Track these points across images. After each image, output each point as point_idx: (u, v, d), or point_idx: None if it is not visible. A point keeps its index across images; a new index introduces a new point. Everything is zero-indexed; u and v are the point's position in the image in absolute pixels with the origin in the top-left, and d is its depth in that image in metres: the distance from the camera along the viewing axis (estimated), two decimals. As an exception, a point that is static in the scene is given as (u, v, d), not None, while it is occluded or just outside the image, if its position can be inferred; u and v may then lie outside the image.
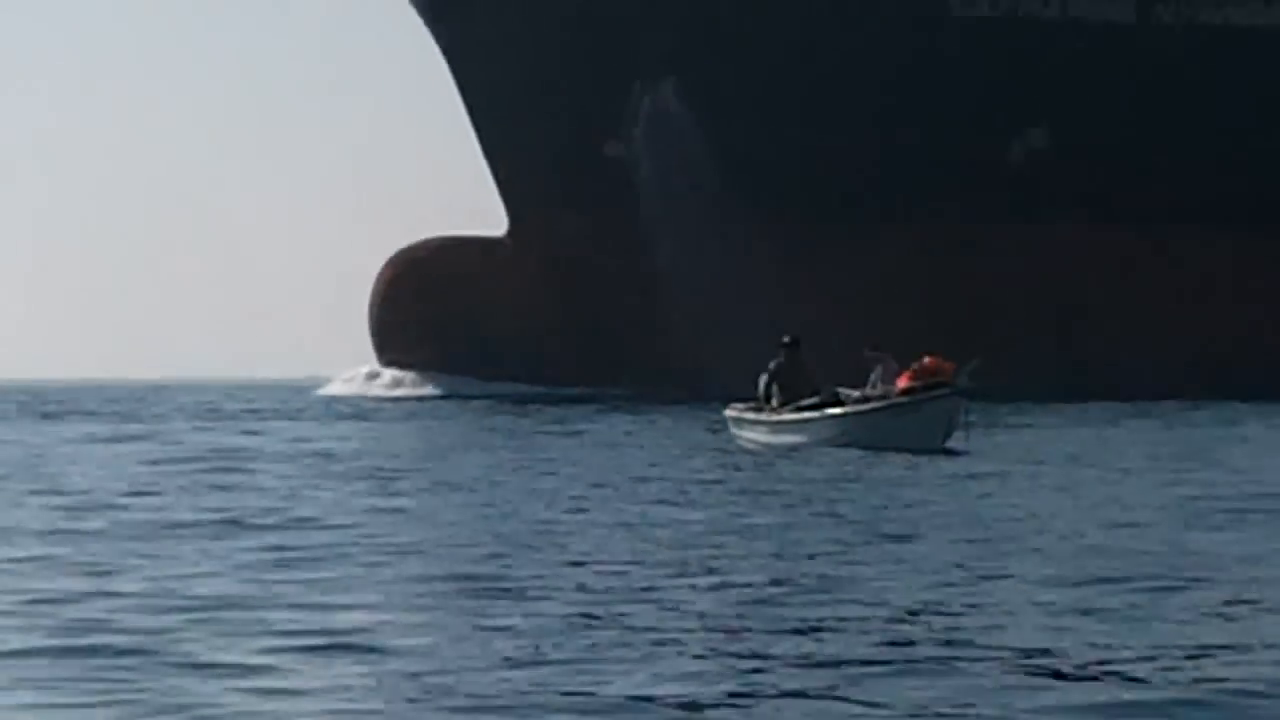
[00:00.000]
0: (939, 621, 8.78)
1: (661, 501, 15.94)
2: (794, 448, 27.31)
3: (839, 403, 27.35)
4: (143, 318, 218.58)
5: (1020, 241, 55.83)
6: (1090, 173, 56.66)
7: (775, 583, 10.26)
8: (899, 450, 25.09)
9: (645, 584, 10.02)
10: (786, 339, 27.44)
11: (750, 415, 28.51)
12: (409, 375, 57.79)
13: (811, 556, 11.58)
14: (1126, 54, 56.92)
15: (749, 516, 14.22)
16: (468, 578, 10.19)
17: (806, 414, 27.53)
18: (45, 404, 57.39)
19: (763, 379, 27.61)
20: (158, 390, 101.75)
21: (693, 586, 9.91)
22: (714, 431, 29.91)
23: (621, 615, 8.83)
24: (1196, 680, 7.49)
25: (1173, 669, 7.69)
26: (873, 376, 27.43)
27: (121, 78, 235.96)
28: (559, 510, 14.96)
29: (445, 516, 14.59)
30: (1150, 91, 56.39)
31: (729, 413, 29.25)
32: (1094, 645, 8.14)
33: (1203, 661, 7.98)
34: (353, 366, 59.48)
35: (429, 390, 56.00)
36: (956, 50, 56.25)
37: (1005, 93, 56.68)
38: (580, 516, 14.33)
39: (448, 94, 59.55)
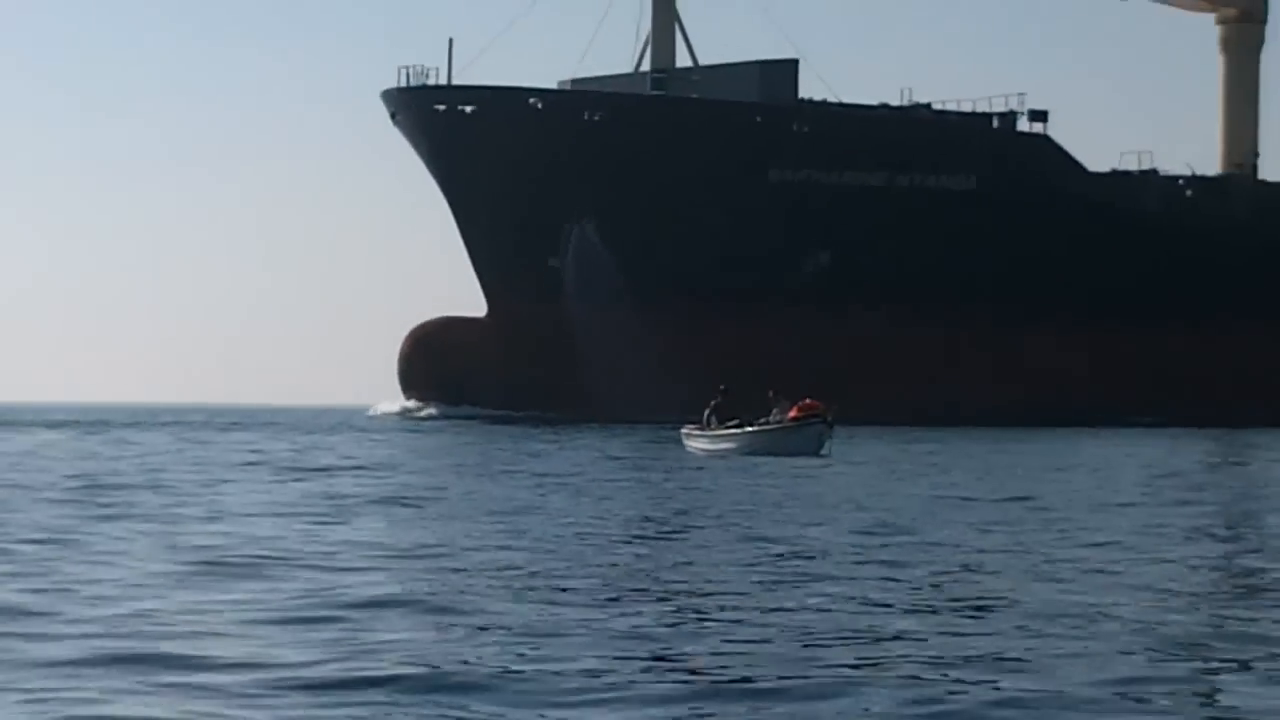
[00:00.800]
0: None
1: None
2: (723, 454, 41.50)
3: (751, 424, 41.97)
4: (238, 353, 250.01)
5: (816, 323, 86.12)
6: (859, 282, 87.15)
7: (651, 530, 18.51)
8: (789, 455, 39.11)
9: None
10: (723, 387, 43.65)
11: (697, 433, 44.13)
12: (421, 405, 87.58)
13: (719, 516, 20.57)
14: (880, 205, 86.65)
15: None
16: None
17: (733, 432, 42.43)
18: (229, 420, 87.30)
19: (706, 410, 43.33)
20: (255, 412, 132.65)
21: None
22: (662, 443, 47.56)
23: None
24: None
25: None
26: (774, 410, 41.88)
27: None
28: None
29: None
30: (893, 229, 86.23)
31: (683, 431, 45.00)
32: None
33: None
34: (387, 398, 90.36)
35: (432, 412, 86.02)
36: (773, 201, 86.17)
37: (804, 229, 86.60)
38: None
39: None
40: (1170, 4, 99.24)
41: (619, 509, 22.27)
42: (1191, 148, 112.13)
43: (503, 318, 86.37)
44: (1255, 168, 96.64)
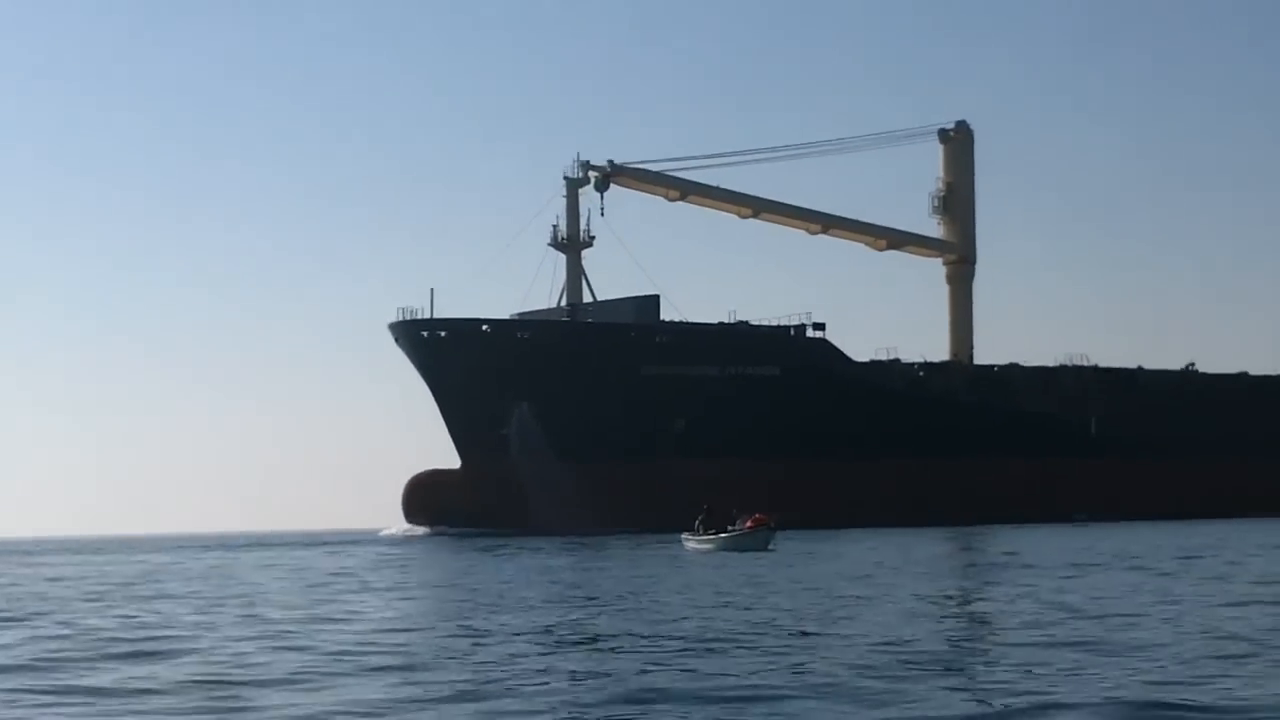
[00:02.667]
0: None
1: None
2: (709, 550, 59.62)
3: (725, 531, 61.59)
4: (232, 484, 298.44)
5: (680, 468, 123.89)
6: (705, 440, 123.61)
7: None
8: (748, 551, 56.95)
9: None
10: (706, 505, 64.66)
11: (690, 537, 63.18)
12: (420, 528, 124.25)
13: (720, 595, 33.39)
14: (716, 388, 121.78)
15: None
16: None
17: (715, 536, 61.55)
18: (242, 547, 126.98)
19: (696, 521, 63.92)
20: (301, 535, 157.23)
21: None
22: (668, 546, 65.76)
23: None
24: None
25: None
26: (738, 521, 61.67)
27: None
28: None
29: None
30: (726, 404, 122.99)
31: (683, 536, 63.99)
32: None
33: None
34: (394, 521, 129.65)
35: (426, 532, 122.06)
36: (646, 388, 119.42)
37: (667, 405, 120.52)
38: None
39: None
40: (912, 254, 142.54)
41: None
42: (928, 344, 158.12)
43: (472, 469, 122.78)
44: (971, 356, 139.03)
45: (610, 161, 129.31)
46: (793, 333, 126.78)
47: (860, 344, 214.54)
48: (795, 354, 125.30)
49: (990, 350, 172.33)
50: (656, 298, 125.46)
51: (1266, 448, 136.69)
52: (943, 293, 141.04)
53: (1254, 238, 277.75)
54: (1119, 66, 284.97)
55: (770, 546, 60.68)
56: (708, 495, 70.93)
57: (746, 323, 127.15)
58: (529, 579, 41.11)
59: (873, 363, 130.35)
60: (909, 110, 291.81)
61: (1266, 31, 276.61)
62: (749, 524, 62.34)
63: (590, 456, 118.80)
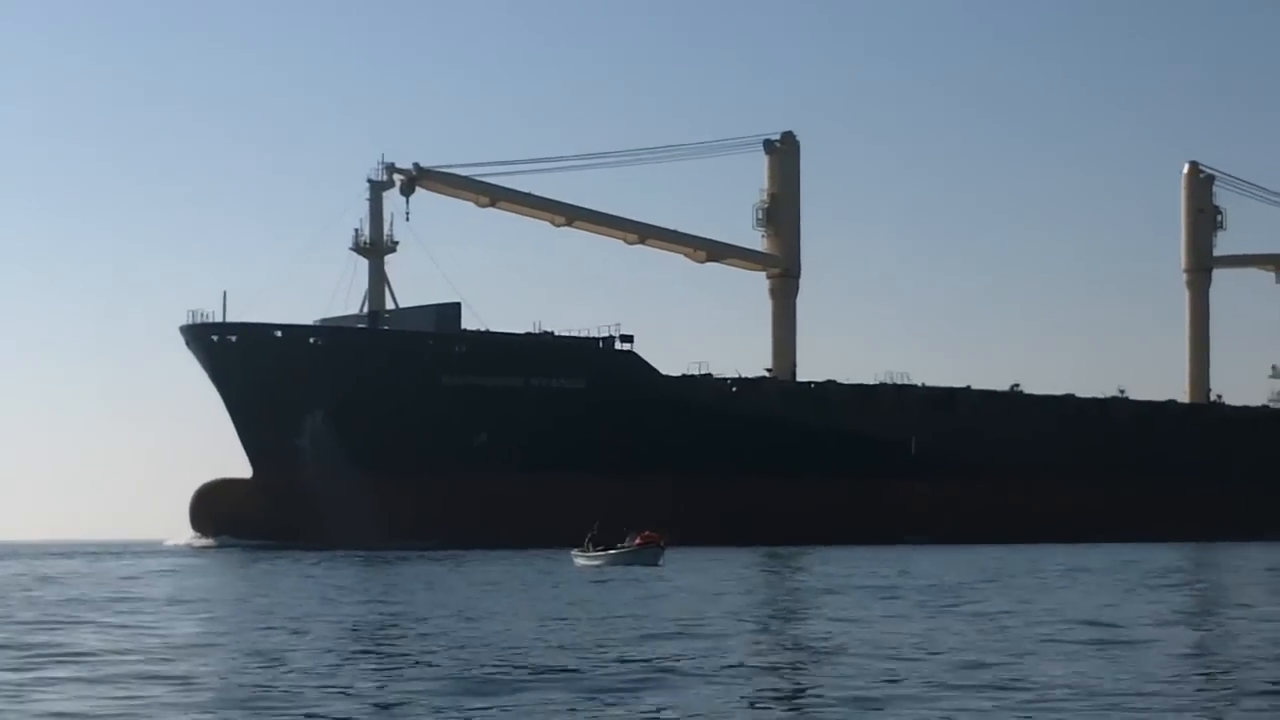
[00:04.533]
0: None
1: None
2: (598, 567, 62.79)
3: (615, 548, 65.64)
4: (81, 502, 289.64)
5: (482, 480, 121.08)
6: (509, 452, 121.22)
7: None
8: (639, 566, 61.12)
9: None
10: (598, 522, 68.28)
11: (578, 553, 67.23)
12: (203, 538, 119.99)
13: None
14: (519, 400, 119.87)
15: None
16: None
17: (604, 553, 65.89)
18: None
19: (587, 538, 67.70)
20: (87, 544, 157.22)
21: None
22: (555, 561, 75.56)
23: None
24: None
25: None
26: (628, 538, 66.10)
27: None
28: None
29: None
30: (529, 417, 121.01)
31: (573, 552, 67.60)
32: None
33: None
34: (178, 532, 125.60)
35: (212, 543, 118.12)
36: (446, 398, 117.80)
37: (469, 417, 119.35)
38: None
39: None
40: (734, 266, 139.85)
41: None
42: (753, 359, 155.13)
43: (264, 478, 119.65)
44: (794, 372, 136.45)
45: (416, 165, 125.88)
46: (601, 345, 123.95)
47: (678, 358, 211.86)
48: (602, 366, 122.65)
49: (815, 367, 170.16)
50: (458, 305, 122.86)
51: (1089, 469, 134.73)
52: (766, 307, 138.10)
53: (1082, 260, 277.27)
54: (952, 80, 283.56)
55: (659, 563, 62.13)
56: (599, 513, 71.28)
57: (552, 333, 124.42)
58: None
59: (683, 377, 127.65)
60: (735, 120, 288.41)
61: (1093, 56, 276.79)
62: (639, 541, 64.60)
63: (387, 469, 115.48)
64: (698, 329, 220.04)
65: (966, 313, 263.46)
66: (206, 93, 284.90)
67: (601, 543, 67.19)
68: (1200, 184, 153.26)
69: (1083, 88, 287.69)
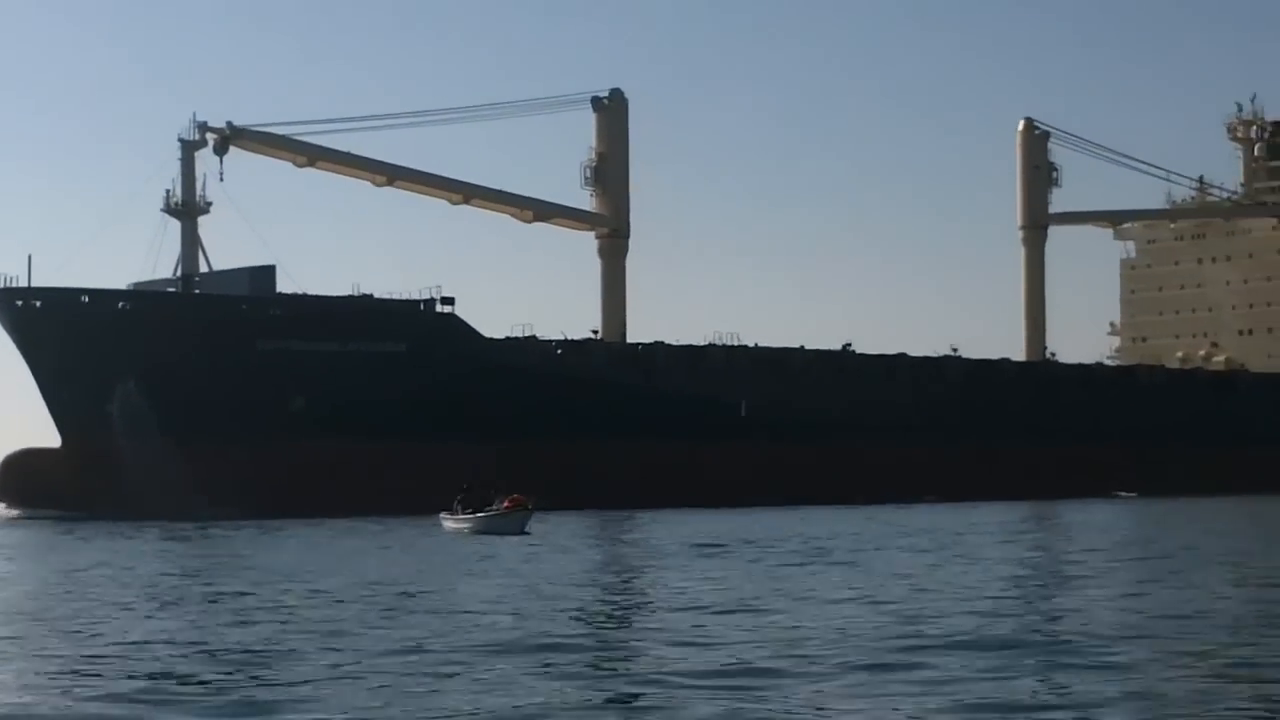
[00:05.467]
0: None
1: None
2: (465, 530, 63.75)
3: (483, 511, 65.16)
4: None
5: (299, 448, 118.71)
6: (327, 418, 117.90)
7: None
8: (505, 534, 60.46)
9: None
10: (465, 485, 67.63)
11: (448, 517, 66.72)
12: (11, 509, 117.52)
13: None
14: (338, 364, 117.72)
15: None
16: None
17: (472, 516, 65.50)
18: None
19: (456, 500, 66.90)
20: None
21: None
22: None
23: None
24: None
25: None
26: (496, 502, 65.75)
27: None
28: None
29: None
30: (348, 381, 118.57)
31: (442, 515, 67.12)
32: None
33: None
34: None
35: (19, 514, 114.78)
36: (262, 363, 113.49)
37: (285, 382, 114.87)
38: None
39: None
40: (562, 226, 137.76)
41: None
42: (583, 321, 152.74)
43: (72, 447, 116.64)
44: (624, 334, 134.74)
45: (229, 123, 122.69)
46: (423, 307, 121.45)
47: (505, 321, 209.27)
48: (423, 329, 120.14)
49: (646, 328, 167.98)
50: (272, 268, 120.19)
51: (922, 429, 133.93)
52: (595, 268, 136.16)
53: (919, 219, 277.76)
54: (783, 36, 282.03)
55: (526, 528, 62.54)
56: (469, 476, 70.04)
57: (371, 296, 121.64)
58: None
59: (507, 339, 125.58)
60: (563, 77, 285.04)
61: (928, 11, 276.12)
62: (506, 504, 64.31)
63: (201, 436, 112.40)
64: (526, 291, 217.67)
65: (799, 272, 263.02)
66: (5, 48, 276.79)
67: (469, 506, 66.49)
68: (1035, 140, 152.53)
69: (918, 43, 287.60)
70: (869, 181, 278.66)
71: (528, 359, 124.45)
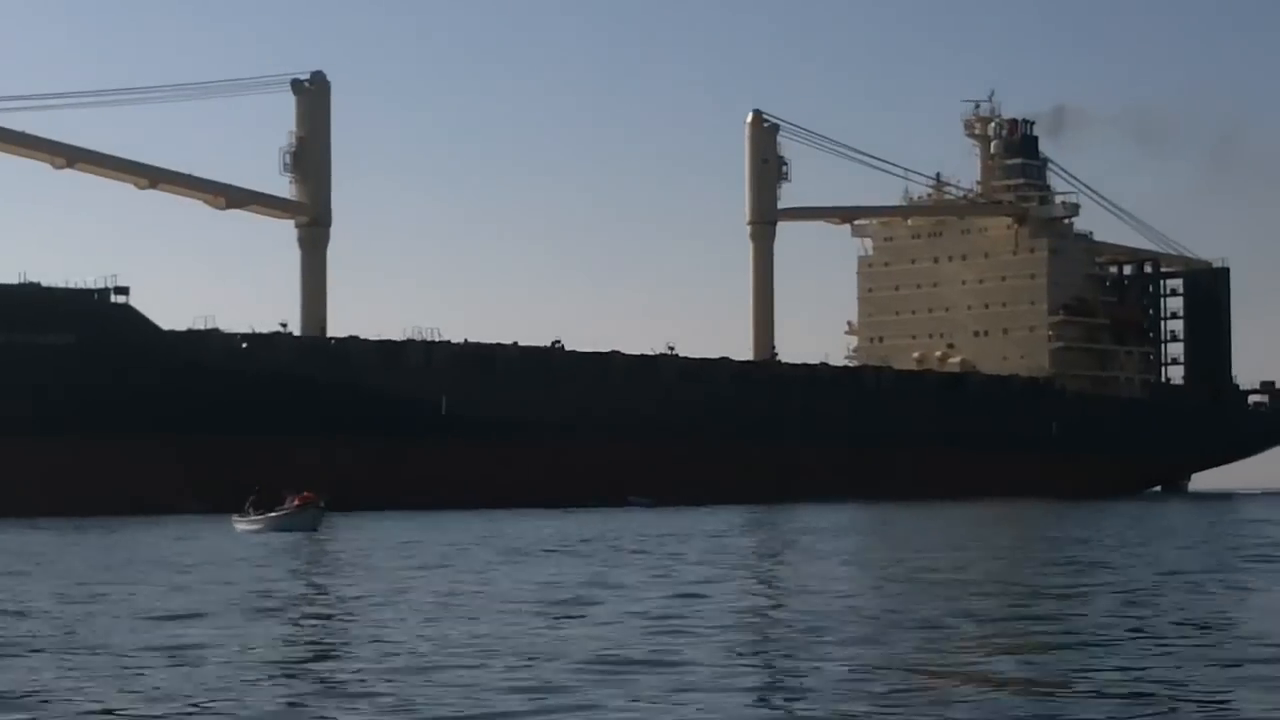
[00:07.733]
0: None
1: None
2: (257, 531, 62.72)
3: (274, 511, 64.85)
4: None
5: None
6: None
7: None
8: (295, 531, 60.25)
9: None
10: (258, 486, 67.26)
11: (240, 519, 66.05)
12: None
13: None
14: (20, 354, 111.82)
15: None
16: None
17: (263, 515, 65.08)
18: None
19: (248, 502, 66.74)
20: None
21: None
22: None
23: None
24: None
25: None
26: (287, 501, 64.83)
27: None
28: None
29: None
30: (7, 375, 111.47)
31: (234, 517, 66.37)
32: None
33: None
34: None
35: None
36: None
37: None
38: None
39: None
40: (258, 214, 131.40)
41: None
42: (281, 313, 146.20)
43: None
44: (324, 327, 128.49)
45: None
46: (96, 297, 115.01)
47: (191, 312, 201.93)
48: (93, 321, 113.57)
49: (347, 322, 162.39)
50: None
51: (632, 429, 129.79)
52: (295, 258, 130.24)
53: (644, 214, 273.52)
54: (501, 23, 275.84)
55: (317, 526, 61.75)
56: (261, 476, 70.09)
57: (38, 284, 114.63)
58: None
59: (187, 332, 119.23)
60: (262, 58, 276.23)
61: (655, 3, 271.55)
62: (297, 503, 63.27)
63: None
64: (219, 283, 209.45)
65: (510, 267, 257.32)
66: None
67: (261, 506, 65.72)
68: (764, 133, 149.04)
69: (645, 35, 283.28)
70: (590, 174, 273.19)
71: (210, 353, 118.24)
